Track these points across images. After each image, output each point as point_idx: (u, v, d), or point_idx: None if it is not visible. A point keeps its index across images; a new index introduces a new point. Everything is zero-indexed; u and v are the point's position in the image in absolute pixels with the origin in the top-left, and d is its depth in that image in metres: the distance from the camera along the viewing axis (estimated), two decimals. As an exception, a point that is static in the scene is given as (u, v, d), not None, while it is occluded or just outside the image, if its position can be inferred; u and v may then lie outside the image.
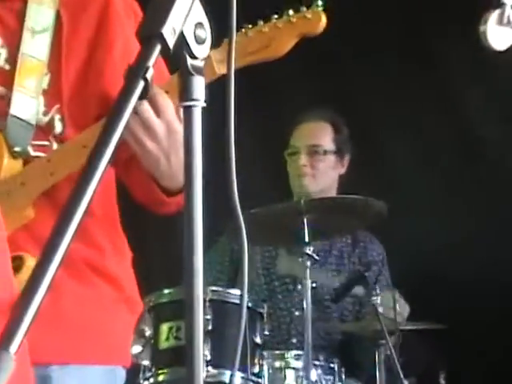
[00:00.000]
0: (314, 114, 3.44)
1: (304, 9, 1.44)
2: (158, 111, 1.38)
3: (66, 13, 1.59)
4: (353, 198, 3.03)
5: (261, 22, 1.45)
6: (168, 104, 1.39)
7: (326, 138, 3.40)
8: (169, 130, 1.40)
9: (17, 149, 1.57)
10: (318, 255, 2.91)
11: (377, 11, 3.73)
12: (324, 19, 1.43)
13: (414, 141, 3.86)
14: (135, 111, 1.23)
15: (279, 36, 1.45)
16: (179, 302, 2.39)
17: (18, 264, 1.42)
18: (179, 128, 1.35)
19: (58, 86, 1.58)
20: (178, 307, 2.43)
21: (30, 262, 1.43)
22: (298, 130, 3.44)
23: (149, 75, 0.78)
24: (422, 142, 3.87)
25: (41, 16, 1.59)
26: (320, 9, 1.44)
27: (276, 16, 1.45)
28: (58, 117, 1.59)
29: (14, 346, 0.70)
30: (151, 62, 0.79)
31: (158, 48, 0.80)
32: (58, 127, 1.59)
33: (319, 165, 3.36)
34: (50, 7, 1.60)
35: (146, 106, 1.36)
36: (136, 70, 0.79)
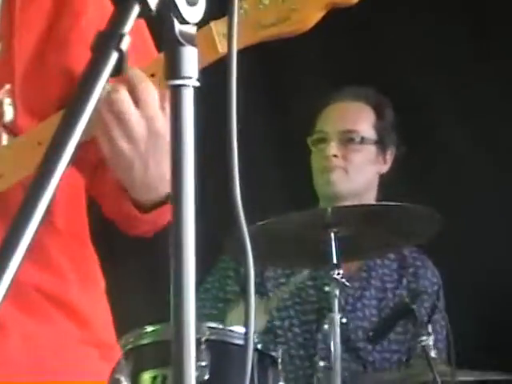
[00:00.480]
0: (350, 91, 3.40)
1: None
2: (137, 102, 1.39)
3: None
4: (398, 205, 3.01)
5: None
6: (151, 94, 1.40)
7: (364, 122, 3.35)
8: (149, 129, 1.41)
9: None
10: (352, 286, 2.97)
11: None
12: None
13: (483, 136, 3.86)
14: (108, 101, 1.27)
15: (302, 6, 1.42)
16: (165, 344, 2.33)
17: None
18: (162, 128, 1.39)
19: (9, 62, 1.60)
20: (164, 351, 2.31)
21: None
22: (328, 111, 3.39)
23: (124, 45, 0.80)
24: (495, 138, 3.87)
25: None
26: None
27: None
28: (7, 101, 1.60)
29: None
30: (127, 28, 0.81)
31: (137, 9, 0.82)
32: (9, 114, 1.61)
33: (354, 157, 3.29)
34: None
35: (122, 94, 1.38)
36: (108, 38, 0.81)
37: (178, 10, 0.83)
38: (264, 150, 3.74)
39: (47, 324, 1.57)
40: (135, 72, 1.38)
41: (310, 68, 3.99)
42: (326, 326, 2.95)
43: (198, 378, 1.93)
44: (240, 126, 0.88)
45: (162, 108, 1.39)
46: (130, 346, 2.58)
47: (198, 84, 0.86)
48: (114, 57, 0.80)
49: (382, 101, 3.39)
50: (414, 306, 2.91)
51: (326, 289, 2.86)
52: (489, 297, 3.54)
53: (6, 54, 1.60)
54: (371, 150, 3.32)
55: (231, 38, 0.89)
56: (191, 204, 0.84)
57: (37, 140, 1.46)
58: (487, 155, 3.87)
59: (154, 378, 2.57)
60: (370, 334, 3.02)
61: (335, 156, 3.26)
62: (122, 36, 0.80)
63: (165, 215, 1.50)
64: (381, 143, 3.33)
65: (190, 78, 0.85)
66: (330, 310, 2.81)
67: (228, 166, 0.90)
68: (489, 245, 3.64)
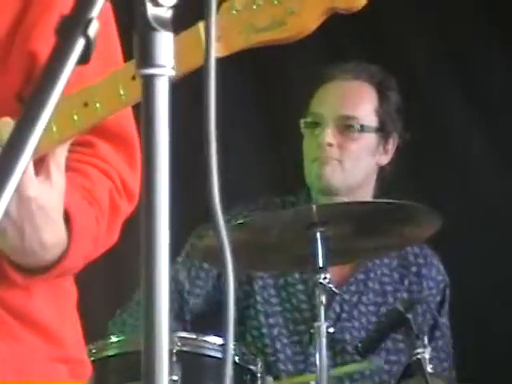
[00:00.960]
0: (351, 68, 3.32)
1: None
2: None
3: None
4: (393, 203, 3.02)
5: None
6: None
7: (366, 106, 3.29)
8: (19, 195, 1.45)
9: None
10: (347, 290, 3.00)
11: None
12: None
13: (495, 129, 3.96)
14: None
15: (300, 10, 1.40)
16: (132, 355, 2.57)
17: None
18: (36, 192, 1.46)
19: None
20: (131, 363, 2.52)
21: None
22: (325, 91, 3.32)
23: (92, 31, 0.83)
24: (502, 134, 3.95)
25: None
26: None
27: None
28: None
29: None
30: (95, 12, 0.84)
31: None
32: None
33: (352, 146, 3.24)
34: None
35: None
36: (74, 23, 0.84)
37: None
38: (247, 142, 3.77)
39: (10, 339, 1.62)
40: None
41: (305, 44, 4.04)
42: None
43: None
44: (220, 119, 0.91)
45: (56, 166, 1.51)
46: (92, 358, 2.44)
47: (173, 73, 0.88)
48: (81, 43, 0.82)
49: (386, 80, 3.31)
50: (409, 316, 2.88)
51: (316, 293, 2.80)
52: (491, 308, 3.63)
53: None
54: (371, 138, 3.26)
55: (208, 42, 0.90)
56: (165, 205, 0.86)
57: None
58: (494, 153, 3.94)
59: None
60: (359, 345, 2.94)
61: (330, 145, 3.18)
62: (89, 21, 0.83)
63: (73, 267, 1.68)
64: (382, 131, 3.26)
65: (164, 66, 0.87)
66: (317, 319, 2.76)
67: (206, 158, 0.92)
68: (492, 247, 3.70)
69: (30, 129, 0.82)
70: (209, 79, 0.90)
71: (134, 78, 1.37)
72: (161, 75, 0.87)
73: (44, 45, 1.57)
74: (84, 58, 0.83)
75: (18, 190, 1.30)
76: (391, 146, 3.29)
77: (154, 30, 0.86)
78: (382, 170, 3.30)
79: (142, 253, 0.87)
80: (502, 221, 3.73)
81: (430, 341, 2.90)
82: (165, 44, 0.87)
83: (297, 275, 3.20)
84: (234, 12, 1.29)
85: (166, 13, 0.87)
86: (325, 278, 2.75)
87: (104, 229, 1.72)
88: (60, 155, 1.49)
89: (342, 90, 3.29)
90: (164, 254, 0.86)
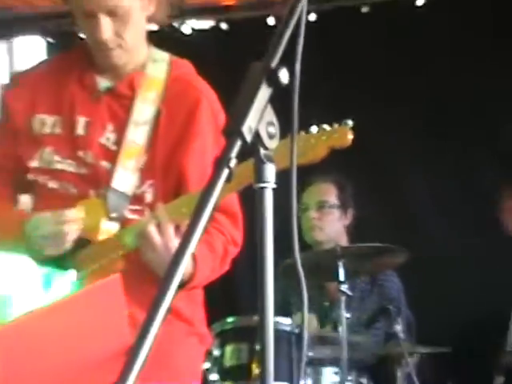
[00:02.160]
0: (321, 176, 5.50)
1: (336, 126, 2.60)
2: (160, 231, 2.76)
3: (164, 110, 2.87)
4: (377, 246, 4.82)
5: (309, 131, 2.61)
6: (169, 228, 2.75)
7: (331, 195, 5.61)
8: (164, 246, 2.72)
9: (114, 215, 2.84)
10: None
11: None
12: (351, 136, 2.59)
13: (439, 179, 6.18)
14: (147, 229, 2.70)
15: (315, 149, 2.62)
16: (240, 329, 4.64)
17: None
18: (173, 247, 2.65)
19: (153, 167, 2.86)
20: (239, 333, 4.58)
21: None
22: (308, 190, 5.56)
23: (232, 164, 1.45)
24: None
25: (144, 112, 2.86)
26: (348, 128, 2.58)
27: (315, 128, 2.55)
28: (150, 190, 2.89)
29: None
30: (234, 154, 1.45)
31: (239, 142, 1.45)
32: (149, 197, 2.89)
33: (326, 217, 5.43)
34: (152, 105, 2.87)
35: (152, 227, 2.74)
36: (222, 160, 1.44)
37: (263, 143, 1.53)
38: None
39: (166, 324, 2.29)
40: (162, 213, 2.70)
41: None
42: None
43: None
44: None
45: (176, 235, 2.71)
46: (218, 330, 4.53)
47: (275, 186, 1.56)
48: (226, 172, 1.43)
49: (342, 180, 5.70)
50: (390, 307, 4.87)
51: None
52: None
53: (150, 161, 2.87)
54: (336, 212, 5.62)
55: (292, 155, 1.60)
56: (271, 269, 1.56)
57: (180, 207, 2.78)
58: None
59: (234, 349, 4.53)
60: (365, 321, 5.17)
61: (314, 218, 5.52)
62: (230, 159, 1.42)
63: (197, 285, 2.93)
64: (343, 207, 5.64)
65: (269, 182, 1.54)
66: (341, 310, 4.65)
67: (290, 227, 1.62)
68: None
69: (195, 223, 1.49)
70: (292, 178, 1.60)
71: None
72: (267, 188, 1.54)
73: (191, 164, 2.89)
74: (228, 179, 1.45)
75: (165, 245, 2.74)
76: (349, 214, 5.70)
77: (264, 163, 1.53)
78: (347, 228, 5.72)
79: (258, 271, 1.55)
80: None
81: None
82: (270, 170, 1.54)
83: None
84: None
85: (270, 152, 1.54)
86: (344, 287, 4.67)
87: (218, 264, 2.94)
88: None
89: (318, 188, 5.70)
90: (270, 272, 1.54)
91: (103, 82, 3.01)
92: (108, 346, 1.52)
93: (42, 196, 3.04)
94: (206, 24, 7.08)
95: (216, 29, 7.02)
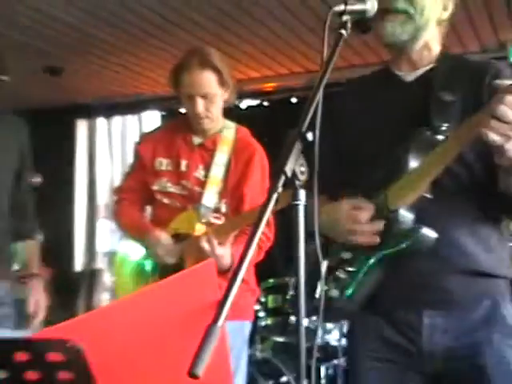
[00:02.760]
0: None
1: None
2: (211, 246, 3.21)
3: (233, 157, 3.46)
4: None
5: None
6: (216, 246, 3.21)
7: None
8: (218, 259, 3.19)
9: (203, 220, 3.40)
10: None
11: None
12: None
13: None
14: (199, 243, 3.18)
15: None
16: (277, 285, 5.36)
17: None
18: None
19: (226, 191, 3.44)
20: (276, 288, 5.34)
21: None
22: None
23: (279, 191, 1.57)
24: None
25: (221, 158, 3.45)
26: None
27: None
28: (224, 205, 3.45)
29: (220, 322, 1.29)
30: (280, 185, 1.57)
31: (283, 178, 1.58)
32: (223, 209, 3.43)
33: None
34: (226, 154, 3.45)
35: (204, 242, 3.18)
36: (273, 189, 1.56)
37: (298, 177, 1.63)
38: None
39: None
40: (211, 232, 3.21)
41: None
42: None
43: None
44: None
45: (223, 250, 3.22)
46: (264, 287, 5.27)
47: (306, 204, 1.65)
48: (275, 196, 1.54)
49: None
50: None
51: None
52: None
53: (225, 187, 3.44)
54: None
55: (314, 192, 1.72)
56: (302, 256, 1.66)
57: (244, 219, 3.28)
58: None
59: (273, 298, 5.29)
60: None
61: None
62: (277, 189, 1.55)
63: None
64: None
65: (301, 200, 1.64)
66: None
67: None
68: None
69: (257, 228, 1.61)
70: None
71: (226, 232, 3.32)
72: (300, 205, 1.63)
73: (247, 192, 3.42)
74: (276, 201, 1.58)
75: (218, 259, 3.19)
76: None
77: (298, 189, 1.65)
78: None
79: (294, 258, 1.66)
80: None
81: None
82: (301, 193, 1.65)
83: None
84: None
85: (302, 182, 1.66)
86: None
87: (254, 256, 3.14)
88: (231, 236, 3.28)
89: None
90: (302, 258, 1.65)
91: (196, 140, 3.54)
92: (197, 329, 1.25)
93: (159, 207, 3.58)
94: (254, 102, 7.61)
95: (261, 105, 7.59)
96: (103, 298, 8.28)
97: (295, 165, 1.60)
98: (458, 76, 2.20)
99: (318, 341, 4.88)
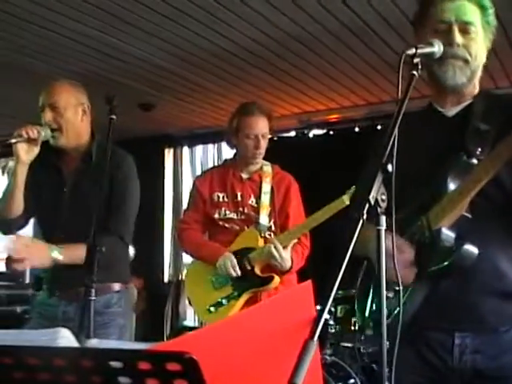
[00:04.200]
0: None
1: None
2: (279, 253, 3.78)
3: (275, 187, 3.95)
4: None
5: None
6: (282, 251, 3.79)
7: None
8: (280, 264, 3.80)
9: (262, 235, 3.85)
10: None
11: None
12: None
13: None
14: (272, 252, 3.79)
15: None
16: (345, 297, 5.01)
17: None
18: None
19: (274, 213, 3.93)
20: (345, 299, 5.08)
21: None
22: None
23: (364, 217, 1.56)
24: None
25: (266, 188, 3.94)
26: None
27: None
28: (273, 224, 3.89)
29: (315, 337, 1.28)
30: (364, 211, 1.55)
31: (367, 205, 1.56)
32: (273, 227, 3.91)
33: None
34: (269, 184, 3.92)
35: (274, 251, 3.75)
36: (359, 216, 1.53)
37: (379, 204, 1.60)
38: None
39: (288, 285, 3.88)
40: (276, 240, 3.75)
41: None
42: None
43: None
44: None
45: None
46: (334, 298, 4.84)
47: (386, 228, 1.63)
48: (361, 222, 1.53)
49: None
50: None
51: None
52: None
53: (272, 210, 3.91)
54: None
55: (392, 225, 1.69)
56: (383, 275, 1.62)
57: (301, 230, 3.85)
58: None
59: (341, 308, 5.32)
60: None
61: None
62: (362, 215, 1.54)
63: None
64: None
65: (383, 226, 1.62)
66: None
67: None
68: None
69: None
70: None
71: (285, 247, 3.82)
72: (382, 229, 1.61)
73: (291, 212, 3.98)
74: (362, 226, 1.56)
75: (281, 262, 3.89)
76: None
77: (380, 215, 1.62)
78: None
79: (376, 275, 1.63)
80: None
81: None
82: (383, 219, 1.62)
83: None
84: None
85: (383, 210, 1.63)
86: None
87: (299, 262, 3.88)
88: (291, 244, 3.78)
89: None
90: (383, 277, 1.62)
91: (244, 175, 4.06)
92: (295, 343, 1.23)
93: (220, 232, 3.99)
94: (321, 131, 7.65)
95: (327, 134, 7.60)
96: (187, 305, 8.37)
97: (377, 193, 1.59)
98: (493, 108, 2.18)
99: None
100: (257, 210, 3.88)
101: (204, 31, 5.40)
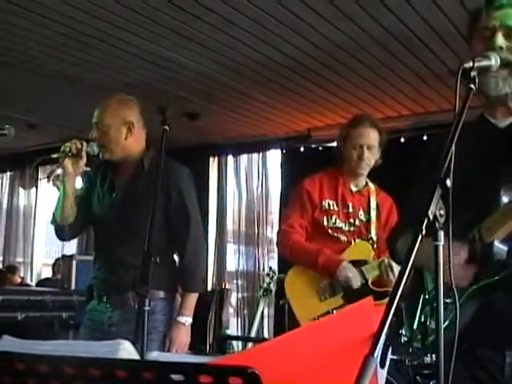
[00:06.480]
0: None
1: None
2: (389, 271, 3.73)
3: (380, 204, 3.92)
4: None
5: None
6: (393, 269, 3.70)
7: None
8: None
9: (374, 246, 3.93)
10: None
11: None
12: None
13: None
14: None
15: None
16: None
17: None
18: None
19: (380, 226, 3.95)
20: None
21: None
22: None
23: (423, 227, 1.54)
24: None
25: (373, 203, 3.93)
26: None
27: None
28: (379, 236, 3.96)
29: (376, 353, 1.23)
30: (424, 226, 1.54)
31: (426, 220, 1.51)
32: (375, 246, 3.94)
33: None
34: (375, 200, 3.93)
35: (388, 267, 3.75)
36: (418, 232, 1.55)
37: (438, 219, 1.59)
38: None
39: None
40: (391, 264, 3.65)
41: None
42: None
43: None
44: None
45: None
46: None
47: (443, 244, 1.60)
48: (420, 236, 1.54)
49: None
50: None
51: None
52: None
53: (379, 224, 4.04)
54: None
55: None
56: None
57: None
58: None
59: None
60: None
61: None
62: (422, 231, 1.54)
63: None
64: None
65: (441, 241, 1.59)
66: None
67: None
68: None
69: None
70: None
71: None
72: (439, 245, 1.60)
73: (393, 223, 3.75)
74: (421, 240, 1.55)
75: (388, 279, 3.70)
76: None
77: (437, 230, 1.60)
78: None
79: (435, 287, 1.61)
80: None
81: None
82: (440, 235, 1.60)
83: None
84: None
85: (441, 224, 1.61)
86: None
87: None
88: None
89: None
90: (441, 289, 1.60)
91: (353, 188, 4.00)
92: (355, 358, 1.21)
93: (328, 239, 3.85)
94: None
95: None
96: (230, 314, 8.38)
97: (436, 208, 1.57)
98: None
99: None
100: (366, 224, 3.90)
101: (253, 41, 5.45)
